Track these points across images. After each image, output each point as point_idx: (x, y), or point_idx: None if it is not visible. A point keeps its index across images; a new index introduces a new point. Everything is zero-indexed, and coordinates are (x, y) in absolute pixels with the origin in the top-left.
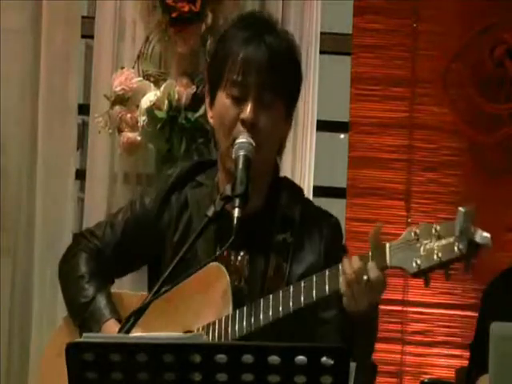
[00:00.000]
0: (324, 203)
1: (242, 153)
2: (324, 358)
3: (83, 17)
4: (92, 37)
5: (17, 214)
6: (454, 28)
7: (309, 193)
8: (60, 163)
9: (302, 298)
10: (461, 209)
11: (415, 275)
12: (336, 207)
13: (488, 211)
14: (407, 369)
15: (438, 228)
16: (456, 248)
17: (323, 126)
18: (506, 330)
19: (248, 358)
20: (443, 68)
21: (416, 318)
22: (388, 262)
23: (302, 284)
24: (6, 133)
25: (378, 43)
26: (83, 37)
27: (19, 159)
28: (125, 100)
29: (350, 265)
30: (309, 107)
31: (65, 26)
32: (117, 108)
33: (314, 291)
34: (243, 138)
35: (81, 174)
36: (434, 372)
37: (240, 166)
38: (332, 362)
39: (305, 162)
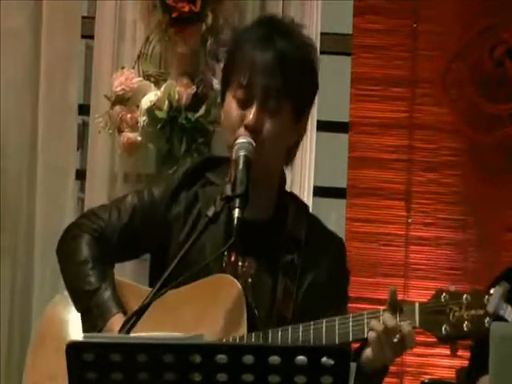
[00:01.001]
0: (324, 203)
1: (242, 153)
2: (324, 359)
3: (83, 17)
4: (92, 37)
5: (17, 213)
6: (453, 28)
7: (309, 193)
8: (60, 163)
9: (324, 340)
10: (498, 287)
11: (442, 341)
12: (336, 207)
13: (488, 211)
14: (408, 369)
15: (469, 297)
16: (486, 322)
17: (323, 126)
18: (506, 329)
19: (248, 359)
20: (443, 68)
21: None
22: (417, 322)
23: (324, 324)
24: (6, 133)
25: (378, 43)
26: (83, 37)
27: (19, 159)
28: (125, 100)
29: (382, 324)
30: None
31: (65, 26)
32: (117, 108)
33: (337, 337)
34: (243, 139)
35: (81, 174)
36: (435, 372)
37: (240, 166)
38: (332, 363)
39: (305, 162)
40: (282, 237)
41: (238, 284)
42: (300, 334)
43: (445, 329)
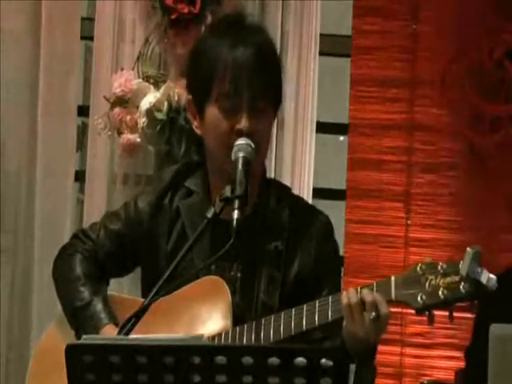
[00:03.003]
0: (324, 205)
1: (241, 154)
2: (323, 360)
3: (83, 18)
4: (92, 38)
5: (17, 214)
6: (453, 29)
7: (308, 194)
8: (60, 164)
9: (304, 323)
10: (469, 249)
11: (419, 311)
12: (336, 209)
13: (487, 212)
14: (407, 371)
15: (445, 266)
16: (461, 287)
17: (323, 127)
18: (505, 330)
19: (248, 360)
20: (442, 69)
21: (415, 319)
22: (393, 295)
23: (305, 308)
24: (5, 133)
25: (377, 45)
26: (83, 38)
27: (19, 160)
28: (124, 101)
29: (358, 296)
30: (308, 109)
31: (64, 27)
32: (116, 109)
33: (317, 317)
34: (242, 140)
35: (80, 176)
36: (434, 374)
37: (239, 167)
38: (331, 364)
39: (304, 163)
40: (263, 227)
41: (224, 283)
42: (282, 321)
43: (421, 298)
